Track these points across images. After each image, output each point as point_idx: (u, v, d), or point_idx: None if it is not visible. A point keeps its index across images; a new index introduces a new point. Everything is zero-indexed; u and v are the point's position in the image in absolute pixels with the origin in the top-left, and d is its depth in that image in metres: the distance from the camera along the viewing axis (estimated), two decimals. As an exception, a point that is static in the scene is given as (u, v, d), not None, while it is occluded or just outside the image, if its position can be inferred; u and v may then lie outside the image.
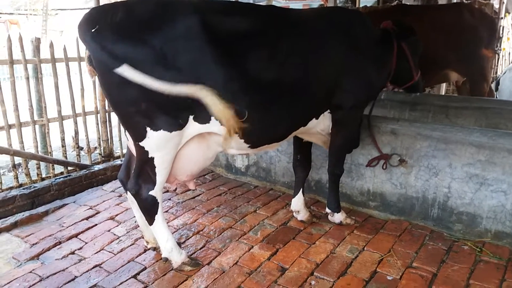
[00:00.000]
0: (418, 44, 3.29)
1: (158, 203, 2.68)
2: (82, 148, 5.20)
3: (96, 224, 3.52)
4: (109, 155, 4.97)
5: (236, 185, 4.29)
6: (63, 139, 4.52)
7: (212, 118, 2.46)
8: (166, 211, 3.69)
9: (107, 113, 4.84)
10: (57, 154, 4.70)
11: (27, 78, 4.14)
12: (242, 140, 2.66)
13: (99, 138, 4.88)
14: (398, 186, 3.40)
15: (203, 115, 2.46)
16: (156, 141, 2.44)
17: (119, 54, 2.17)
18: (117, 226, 3.49)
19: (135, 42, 2.20)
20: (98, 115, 4.79)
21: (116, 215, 3.66)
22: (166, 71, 2.25)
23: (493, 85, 7.28)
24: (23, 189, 4.00)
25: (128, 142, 2.74)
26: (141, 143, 2.47)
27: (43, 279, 2.76)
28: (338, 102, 2.90)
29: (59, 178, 4.29)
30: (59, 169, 4.54)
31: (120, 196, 4.07)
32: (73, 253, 3.12)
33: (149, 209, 2.68)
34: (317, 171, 3.81)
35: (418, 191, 3.31)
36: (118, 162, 4.80)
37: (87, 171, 4.50)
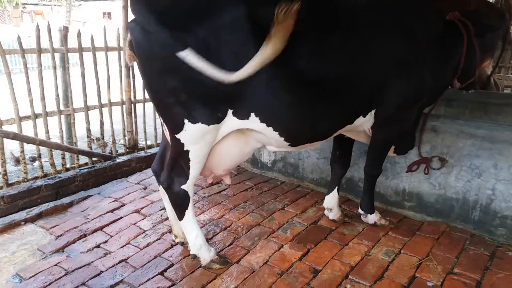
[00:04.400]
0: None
1: (189, 198, 2.59)
2: (98, 139, 5.12)
3: (121, 217, 3.45)
4: (133, 147, 4.91)
5: (262, 180, 4.17)
6: (88, 130, 4.48)
7: (252, 114, 2.35)
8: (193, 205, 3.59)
9: (132, 104, 4.77)
10: (82, 145, 4.67)
11: (54, 68, 4.09)
12: (282, 138, 2.53)
13: (124, 129, 4.82)
14: (437, 187, 3.22)
15: (243, 111, 2.35)
16: (193, 134, 2.34)
17: (161, 41, 2.08)
18: (142, 219, 3.41)
19: (178, 29, 2.10)
20: (124, 106, 4.72)
21: (142, 208, 3.59)
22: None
23: None
24: (48, 179, 3.97)
25: (165, 132, 2.65)
26: (177, 135, 2.38)
27: (69, 273, 2.70)
28: (383, 100, 2.68)
29: (84, 169, 4.24)
30: (83, 159, 4.51)
31: (145, 188, 4.00)
32: (98, 246, 3.05)
33: (180, 203, 2.59)
34: (349, 169, 3.64)
35: (458, 192, 3.13)
36: (142, 153, 4.74)
37: (111, 163, 4.44)
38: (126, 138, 4.85)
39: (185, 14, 2.15)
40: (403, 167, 3.36)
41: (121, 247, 3.03)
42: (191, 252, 2.71)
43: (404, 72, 2.63)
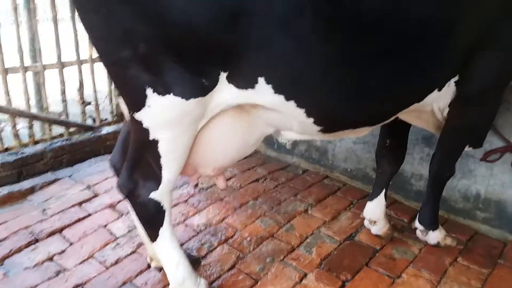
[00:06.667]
0: None
1: (164, 210, 1.68)
2: (89, 103, 4.23)
3: (89, 214, 2.60)
4: (122, 114, 3.98)
5: (279, 167, 3.23)
6: (63, 92, 3.55)
7: (261, 80, 1.40)
8: (185, 201, 2.70)
9: (119, 62, 3.80)
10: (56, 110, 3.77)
11: (15, 9, 3.11)
12: (311, 120, 1.57)
13: (111, 92, 3.89)
14: (531, 194, 2.25)
15: (245, 74, 1.41)
16: (162, 113, 1.44)
17: None
18: (116, 219, 2.55)
19: None
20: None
21: (118, 201, 2.71)
22: None
23: None
24: (8, 155, 3.12)
25: (124, 108, 1.73)
26: (137, 115, 1.46)
27: (-4, 306, 1.88)
28: (481, 63, 1.69)
29: (56, 142, 3.37)
30: (59, 130, 3.63)
31: (128, 172, 3.12)
32: (51, 259, 2.22)
33: (150, 219, 1.70)
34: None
35: None
36: (132, 124, 3.82)
37: (92, 134, 3.57)
38: (113, 103, 3.93)
39: None
40: (480, 164, 2.37)
41: (80, 263, 2.19)
42: (170, 287, 1.83)
43: None
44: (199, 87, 1.40)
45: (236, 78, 1.42)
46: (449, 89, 1.78)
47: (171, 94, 1.38)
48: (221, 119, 1.56)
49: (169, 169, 1.57)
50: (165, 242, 1.74)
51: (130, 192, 1.64)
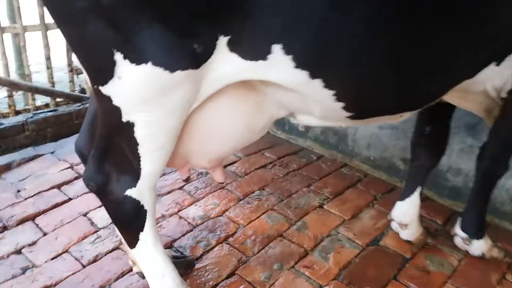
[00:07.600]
0: None
1: (146, 211, 1.30)
2: (82, 73, 3.85)
3: (69, 199, 2.25)
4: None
5: (290, 151, 2.83)
6: (48, 58, 3.15)
7: (276, 48, 1.02)
8: (180, 188, 2.34)
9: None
10: (39, 78, 3.40)
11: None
12: (340, 105, 1.18)
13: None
14: None
15: (254, 39, 1.03)
16: (138, 88, 1.05)
17: None
18: (99, 207, 2.18)
19: None
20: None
21: (103, 185, 2.34)
22: None
23: None
24: (-16, 127, 2.76)
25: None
26: (104, 89, 1.06)
27: None
28: None
29: (39, 113, 3.00)
30: (42, 100, 3.25)
31: (118, 150, 2.74)
32: (19, 252, 1.89)
33: (127, 221, 1.33)
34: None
35: None
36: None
37: (81, 106, 3.18)
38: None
39: None
40: (534, 159, 1.96)
41: (53, 258, 1.86)
42: (154, 301, 1.48)
43: None
44: (189, 55, 1.00)
45: (241, 44, 1.02)
46: (510, 65, 1.37)
47: (149, 63, 0.98)
48: (220, 98, 1.17)
49: (150, 160, 1.18)
50: (147, 249, 1.37)
51: (100, 188, 1.26)
